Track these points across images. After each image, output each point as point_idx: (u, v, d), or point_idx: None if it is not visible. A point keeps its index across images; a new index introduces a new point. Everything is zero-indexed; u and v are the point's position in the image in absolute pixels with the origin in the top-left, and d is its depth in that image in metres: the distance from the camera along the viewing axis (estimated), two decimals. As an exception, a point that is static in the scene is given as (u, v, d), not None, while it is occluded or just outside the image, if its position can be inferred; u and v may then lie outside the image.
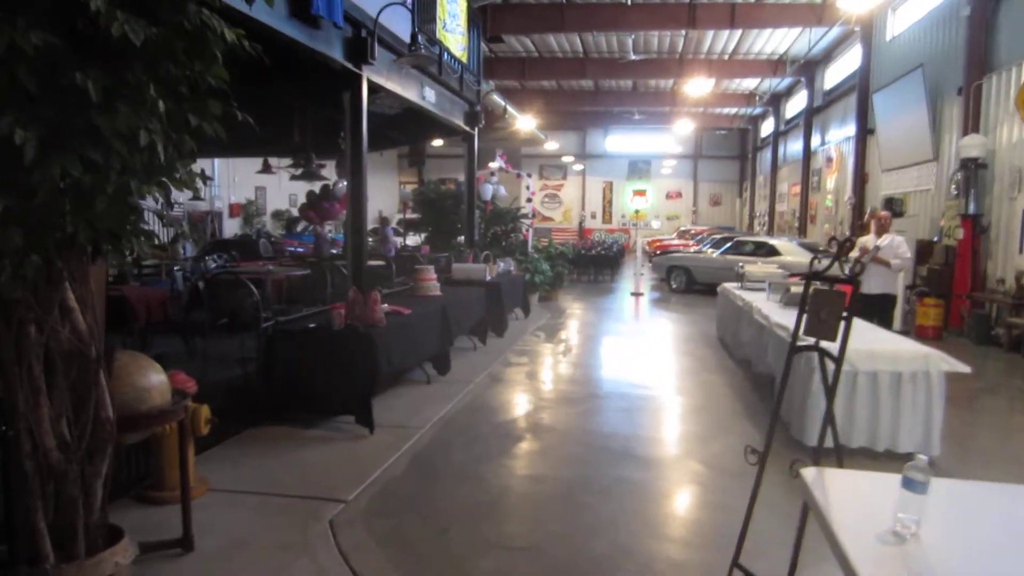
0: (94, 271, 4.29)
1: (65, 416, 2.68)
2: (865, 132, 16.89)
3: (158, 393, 3.47)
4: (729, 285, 9.67)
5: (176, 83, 2.66)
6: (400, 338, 6.22)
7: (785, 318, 6.40)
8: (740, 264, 10.07)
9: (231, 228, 23.27)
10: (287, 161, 11.54)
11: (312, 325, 5.91)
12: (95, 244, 2.67)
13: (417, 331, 6.73)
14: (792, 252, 14.85)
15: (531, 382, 7.73)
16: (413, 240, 18.97)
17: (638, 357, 9.14)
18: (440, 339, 7.37)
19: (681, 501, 4.58)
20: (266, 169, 13.67)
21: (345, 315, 5.77)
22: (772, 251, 15.03)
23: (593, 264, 19.60)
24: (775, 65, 22.44)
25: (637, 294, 15.63)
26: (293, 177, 11.29)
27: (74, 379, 2.71)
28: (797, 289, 7.54)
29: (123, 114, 2.41)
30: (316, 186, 12.47)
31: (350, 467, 4.83)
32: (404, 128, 11.35)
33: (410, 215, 19.20)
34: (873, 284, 7.67)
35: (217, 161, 21.68)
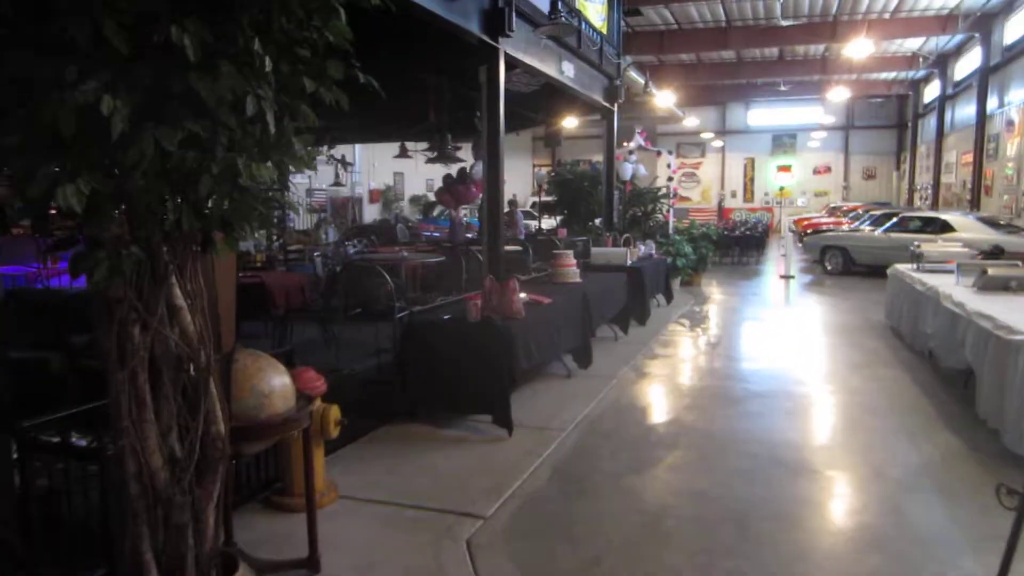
0: (218, 263, 4.06)
1: (174, 431, 2.35)
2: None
3: (280, 398, 3.13)
4: (902, 267, 8.51)
5: (290, 40, 2.24)
6: (540, 330, 5.73)
7: (986, 305, 5.42)
8: (915, 243, 8.82)
9: (371, 214, 23.79)
10: (424, 145, 11.32)
11: (447, 316, 5.53)
12: (205, 232, 2.31)
13: (557, 322, 6.21)
14: (970, 228, 13.11)
15: (680, 377, 7.04)
16: (548, 223, 18.51)
17: (797, 349, 8.20)
18: (581, 330, 6.82)
19: (882, 533, 3.77)
20: (403, 153, 13.57)
21: (481, 306, 5.34)
22: (945, 227, 13.34)
23: (737, 245, 18.38)
24: (944, 21, 20.04)
25: (787, 277, 14.39)
26: (428, 160, 11.05)
27: (183, 389, 2.37)
28: (998, 271, 6.42)
29: (226, 76, 2.00)
30: (453, 169, 12.27)
31: (487, 476, 4.39)
32: (540, 106, 10.84)
33: (544, 197, 18.72)
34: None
35: (358, 147, 22.18)
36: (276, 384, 3.16)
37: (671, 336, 8.87)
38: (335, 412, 4.08)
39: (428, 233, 19.14)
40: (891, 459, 4.67)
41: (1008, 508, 2.41)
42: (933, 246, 8.89)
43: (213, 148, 2.05)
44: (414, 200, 25.49)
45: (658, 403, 6.23)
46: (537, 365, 5.91)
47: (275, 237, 18.00)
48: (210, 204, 2.23)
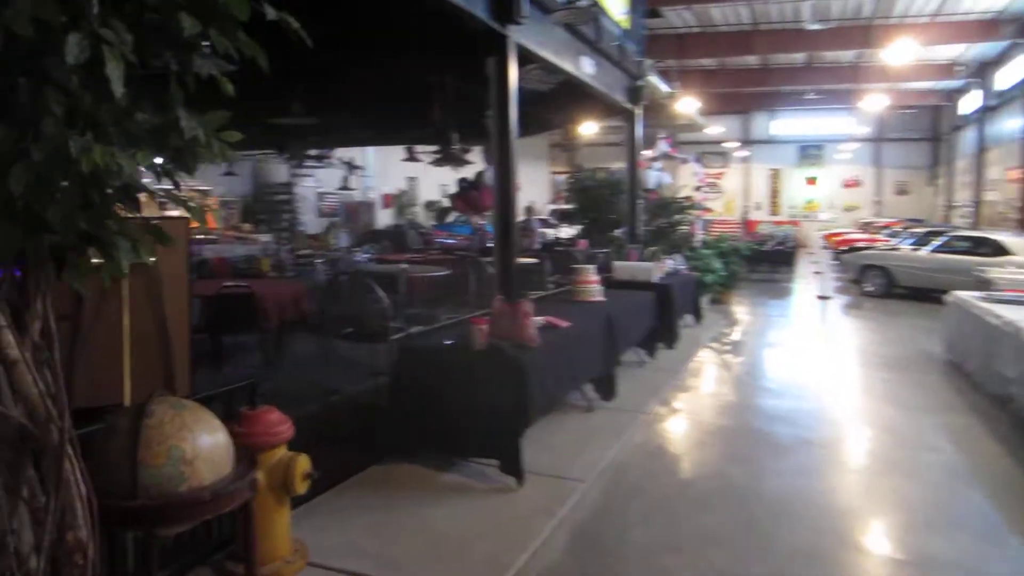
0: (170, 278, 3.27)
1: (15, 537, 1.55)
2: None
3: (208, 464, 2.34)
4: (966, 295, 7.60)
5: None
6: (557, 359, 4.90)
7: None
8: (978, 268, 7.91)
9: (385, 219, 23.09)
10: (434, 148, 10.58)
11: (449, 342, 4.72)
12: (56, 250, 1.51)
13: (577, 348, 5.38)
14: (1028, 250, 12.13)
15: (718, 415, 6.17)
16: (567, 232, 17.71)
17: (849, 385, 7.29)
18: (604, 356, 5.98)
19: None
20: (410, 156, 12.85)
21: (489, 331, 4.53)
22: (1000, 249, 12.36)
23: (767, 260, 17.45)
24: (987, 26, 19.07)
25: (824, 297, 13.45)
26: (432, 162, 10.29)
27: (24, 478, 1.57)
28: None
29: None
30: (466, 173, 11.53)
31: (492, 540, 3.58)
32: (558, 107, 10.03)
33: (562, 205, 17.91)
34: None
35: (372, 151, 21.50)
36: (204, 445, 2.37)
37: (703, 363, 8.00)
38: (302, 464, 3.28)
39: (442, 240, 18.43)
40: (998, 553, 3.77)
41: None
42: (1002, 272, 7.96)
43: (36, 120, 1.26)
44: (429, 206, 24.75)
45: (694, 449, 5.38)
46: (553, 399, 5.08)
47: (284, 242, 17.42)
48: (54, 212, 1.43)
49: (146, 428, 2.24)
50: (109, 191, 1.43)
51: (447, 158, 9.34)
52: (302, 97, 8.09)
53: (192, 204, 1.76)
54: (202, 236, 16.34)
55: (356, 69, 7.43)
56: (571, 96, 8.97)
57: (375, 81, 8.01)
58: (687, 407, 6.26)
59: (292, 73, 5.24)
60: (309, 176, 19.08)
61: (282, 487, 3.23)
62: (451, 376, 4.50)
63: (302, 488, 3.29)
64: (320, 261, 12.05)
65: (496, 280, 5.94)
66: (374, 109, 9.90)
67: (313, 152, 14.81)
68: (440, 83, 7.69)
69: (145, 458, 2.21)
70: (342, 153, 17.40)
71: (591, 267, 7.10)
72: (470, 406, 4.38)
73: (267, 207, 18.56)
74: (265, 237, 16.90)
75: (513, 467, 4.30)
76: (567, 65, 7.40)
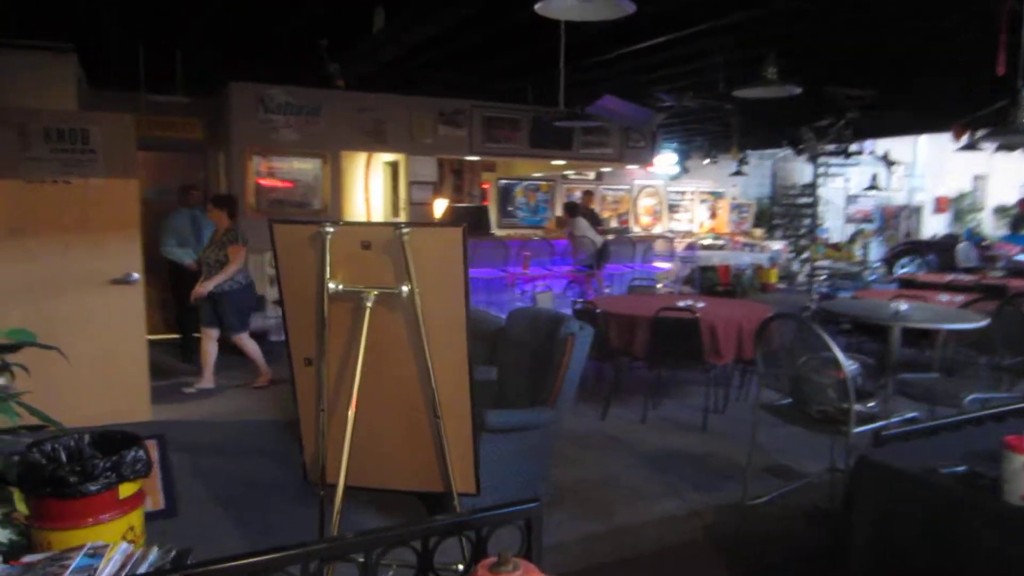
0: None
1: None
2: None
3: None
4: None
5: None
6: None
7: None
8: None
9: (935, 226, 18.87)
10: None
11: (961, 469, 2.38)
12: None
13: None
14: None
15: None
16: None
17: None
18: None
19: None
20: (969, 142, 9.45)
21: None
22: None
23: None
24: None
25: None
26: (996, 147, 7.05)
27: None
28: None
29: None
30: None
31: None
32: None
33: None
34: None
35: (922, 142, 17.66)
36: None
37: None
38: None
39: (1015, 256, 13.86)
40: None
41: None
42: None
43: None
44: (1000, 211, 19.34)
45: None
46: None
47: (798, 250, 15.31)
48: None
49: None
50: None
51: (1013, 129, 6.13)
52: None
53: None
54: (708, 243, 15.36)
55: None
56: None
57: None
58: None
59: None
60: (839, 175, 16.48)
61: None
62: (963, 549, 2.21)
63: None
64: (823, 278, 9.77)
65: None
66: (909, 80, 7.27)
67: (833, 148, 12.39)
68: (1009, 7, 4.81)
69: None
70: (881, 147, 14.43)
71: None
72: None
73: (784, 211, 16.63)
74: (777, 244, 15.06)
75: None
76: None
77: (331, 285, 2.17)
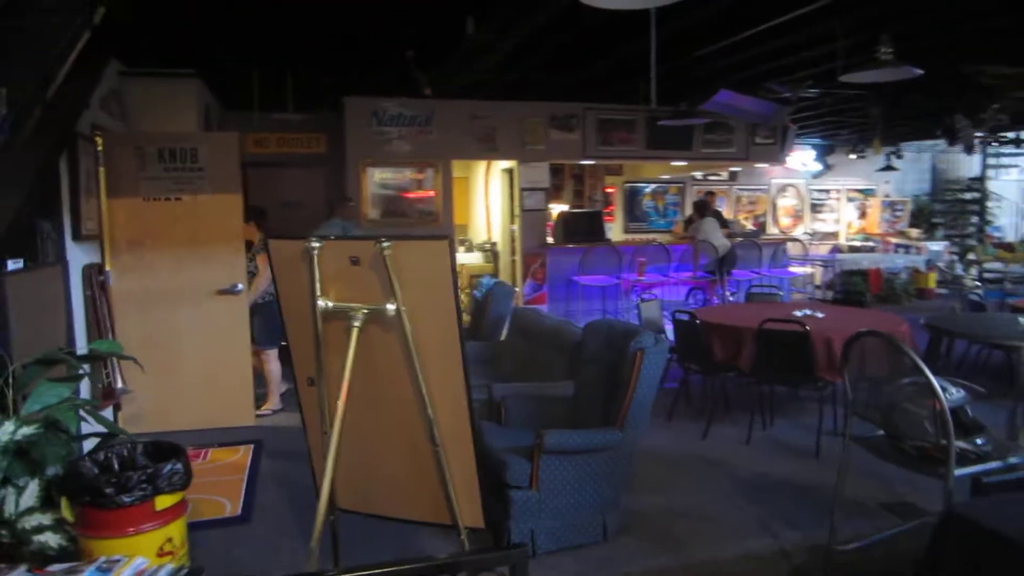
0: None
1: None
2: None
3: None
4: None
5: None
6: None
7: None
8: None
9: None
10: None
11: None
12: None
13: None
14: None
15: None
16: None
17: None
18: None
19: None
20: None
21: None
22: None
23: None
24: None
25: None
26: None
27: None
28: None
29: None
30: None
31: None
32: None
33: None
34: None
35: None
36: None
37: None
38: None
39: None
40: None
41: None
42: None
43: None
44: None
45: None
46: None
47: (963, 251, 13.77)
48: None
49: None
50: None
51: None
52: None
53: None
54: (856, 244, 14.17)
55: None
56: None
57: None
58: None
59: None
60: (1014, 166, 14.70)
61: None
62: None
63: None
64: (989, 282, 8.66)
65: None
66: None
67: (1007, 136, 11.03)
68: None
69: None
70: None
71: None
72: None
73: (947, 208, 15.05)
74: (937, 245, 13.64)
75: None
76: None
77: (321, 303, 2.09)
